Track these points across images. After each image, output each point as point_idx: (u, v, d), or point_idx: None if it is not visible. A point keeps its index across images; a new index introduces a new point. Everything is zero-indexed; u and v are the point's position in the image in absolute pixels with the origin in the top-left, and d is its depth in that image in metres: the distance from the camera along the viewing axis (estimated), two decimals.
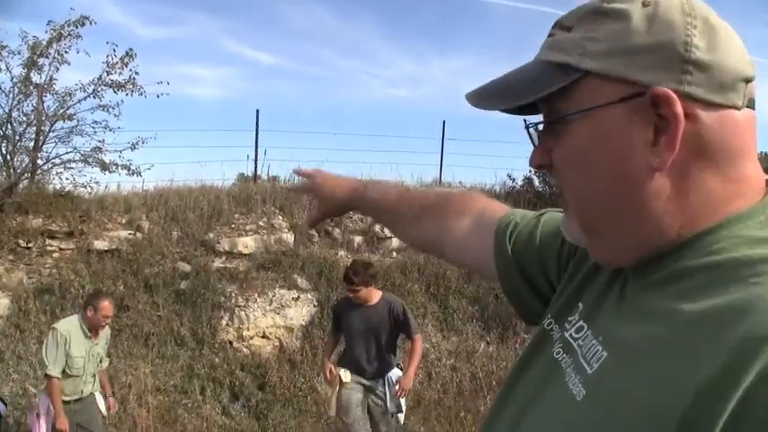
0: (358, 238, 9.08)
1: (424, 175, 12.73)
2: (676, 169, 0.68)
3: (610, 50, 0.69)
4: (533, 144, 0.82)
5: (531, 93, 0.75)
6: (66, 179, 8.50)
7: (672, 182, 0.69)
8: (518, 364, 0.92)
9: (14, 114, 8.22)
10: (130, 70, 8.65)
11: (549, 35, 0.78)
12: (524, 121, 0.82)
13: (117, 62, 8.55)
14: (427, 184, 11.12)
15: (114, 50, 8.52)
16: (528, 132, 0.82)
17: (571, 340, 0.81)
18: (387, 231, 9.18)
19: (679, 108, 0.66)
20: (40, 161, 8.53)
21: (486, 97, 0.81)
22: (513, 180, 11.60)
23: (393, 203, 1.35)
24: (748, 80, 0.69)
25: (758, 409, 0.52)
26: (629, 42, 0.69)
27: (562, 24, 0.76)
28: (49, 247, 7.43)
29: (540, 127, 0.80)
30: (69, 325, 4.73)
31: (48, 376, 4.57)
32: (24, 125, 8.33)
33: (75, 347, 4.67)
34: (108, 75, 8.59)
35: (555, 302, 0.94)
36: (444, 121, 12.66)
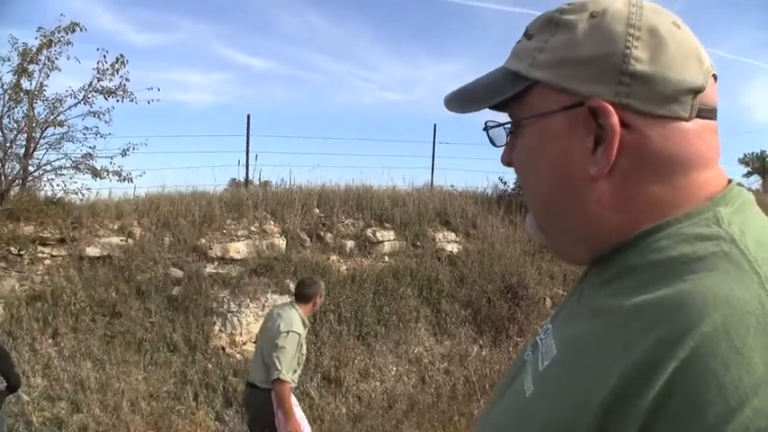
0: (350, 243, 9.08)
1: (415, 178, 12.77)
2: (617, 177, 0.71)
3: (554, 61, 0.73)
4: (492, 144, 0.85)
5: (488, 99, 0.80)
6: (58, 186, 8.46)
7: (612, 189, 0.71)
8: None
9: (5, 121, 8.17)
10: (121, 76, 8.64)
11: (518, 41, 0.81)
12: (484, 123, 0.86)
13: (107, 68, 8.53)
14: (419, 188, 11.15)
15: (105, 57, 8.51)
16: (487, 134, 0.86)
17: (538, 341, 0.84)
18: (379, 235, 9.20)
19: (614, 119, 0.68)
20: (30, 168, 8.49)
21: (455, 101, 0.85)
22: (505, 183, 11.66)
23: None
24: (697, 91, 0.69)
25: (676, 400, 0.53)
26: (572, 54, 0.71)
27: (527, 31, 0.79)
28: (40, 254, 7.39)
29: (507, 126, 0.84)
30: (299, 322, 4.60)
31: (281, 381, 4.42)
32: (15, 132, 8.29)
33: (304, 343, 4.63)
34: (99, 81, 8.58)
35: None
36: (435, 125, 12.73)
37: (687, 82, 0.68)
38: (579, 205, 0.74)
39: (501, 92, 0.78)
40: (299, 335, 4.54)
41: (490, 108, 0.82)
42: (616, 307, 0.65)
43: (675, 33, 0.70)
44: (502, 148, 0.85)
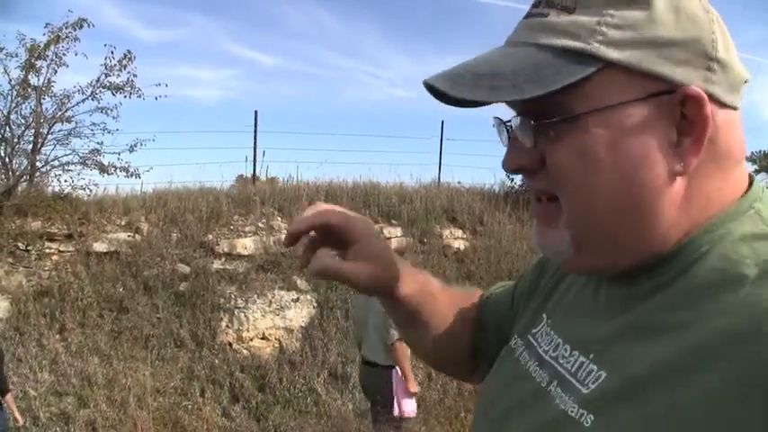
0: None
1: (422, 175, 12.74)
2: (691, 173, 0.64)
3: (636, 40, 0.62)
4: (504, 144, 0.73)
5: (539, 85, 0.62)
6: (65, 181, 8.52)
7: (684, 187, 0.64)
8: (489, 380, 0.90)
9: (13, 117, 8.23)
10: (129, 72, 8.68)
11: (537, 14, 0.67)
12: (498, 119, 0.73)
13: (115, 64, 8.58)
14: (426, 185, 11.12)
15: (112, 52, 8.54)
16: (506, 129, 0.73)
17: (543, 354, 0.77)
18: (386, 232, 9.18)
19: (708, 109, 0.61)
20: (38, 164, 8.53)
21: (464, 86, 0.66)
22: (512, 180, 11.60)
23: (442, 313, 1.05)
24: (746, 80, 0.67)
25: None
26: (657, 34, 0.62)
27: (559, 4, 0.66)
28: (48, 250, 7.42)
29: (516, 122, 0.70)
30: None
31: (401, 340, 4.41)
32: (23, 128, 8.34)
33: None
34: (106, 77, 8.62)
35: (518, 321, 0.93)
36: (443, 122, 12.67)
37: (743, 71, 0.66)
38: (652, 209, 0.64)
39: (558, 76, 0.62)
40: None
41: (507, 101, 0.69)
42: (685, 324, 0.59)
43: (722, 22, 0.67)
44: (510, 150, 0.72)
